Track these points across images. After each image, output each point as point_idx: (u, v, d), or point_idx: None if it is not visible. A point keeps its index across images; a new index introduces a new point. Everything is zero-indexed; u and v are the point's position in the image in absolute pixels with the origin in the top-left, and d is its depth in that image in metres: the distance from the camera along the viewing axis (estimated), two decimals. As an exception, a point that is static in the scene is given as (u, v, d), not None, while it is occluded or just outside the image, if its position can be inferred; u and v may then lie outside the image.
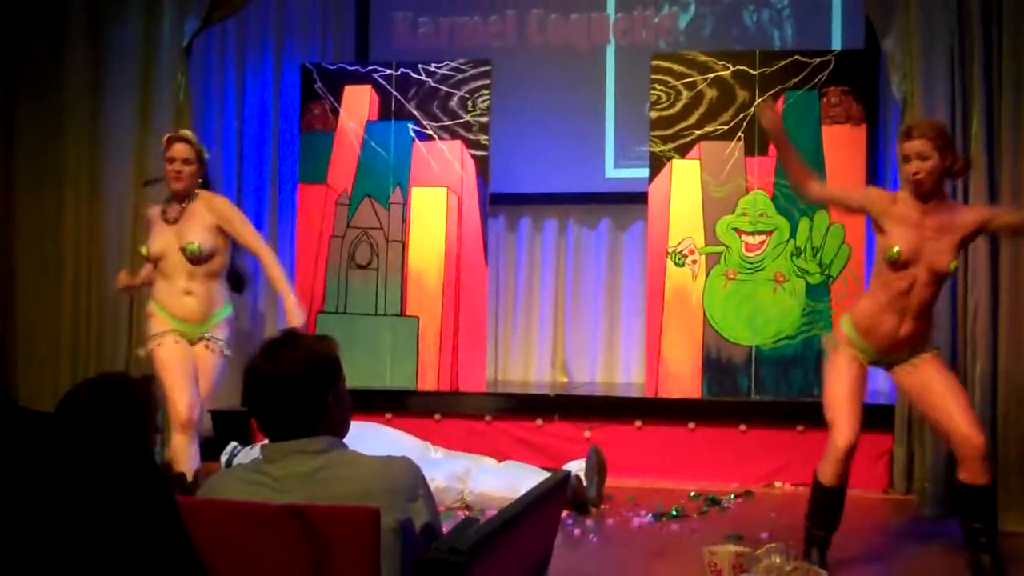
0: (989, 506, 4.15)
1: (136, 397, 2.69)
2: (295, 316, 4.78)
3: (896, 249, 4.10)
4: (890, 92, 5.75)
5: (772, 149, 6.28)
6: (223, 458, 5.70)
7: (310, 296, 6.73)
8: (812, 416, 5.11)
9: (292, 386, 2.26)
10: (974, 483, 4.09)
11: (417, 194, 6.68)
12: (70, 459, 1.30)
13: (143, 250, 4.89)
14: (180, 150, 4.85)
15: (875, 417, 4.92)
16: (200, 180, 4.94)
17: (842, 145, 6.23)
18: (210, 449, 6.15)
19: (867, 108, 6.29)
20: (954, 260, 4.11)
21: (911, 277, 4.12)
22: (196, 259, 4.81)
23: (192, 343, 4.86)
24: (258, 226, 6.08)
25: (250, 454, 5.39)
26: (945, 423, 4.14)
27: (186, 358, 4.81)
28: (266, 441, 2.32)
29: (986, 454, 4.10)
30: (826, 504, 4.22)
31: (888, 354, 4.23)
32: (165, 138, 5.00)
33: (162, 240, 4.86)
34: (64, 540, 1.27)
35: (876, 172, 6.60)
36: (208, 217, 4.85)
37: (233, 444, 5.74)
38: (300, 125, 6.88)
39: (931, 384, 4.16)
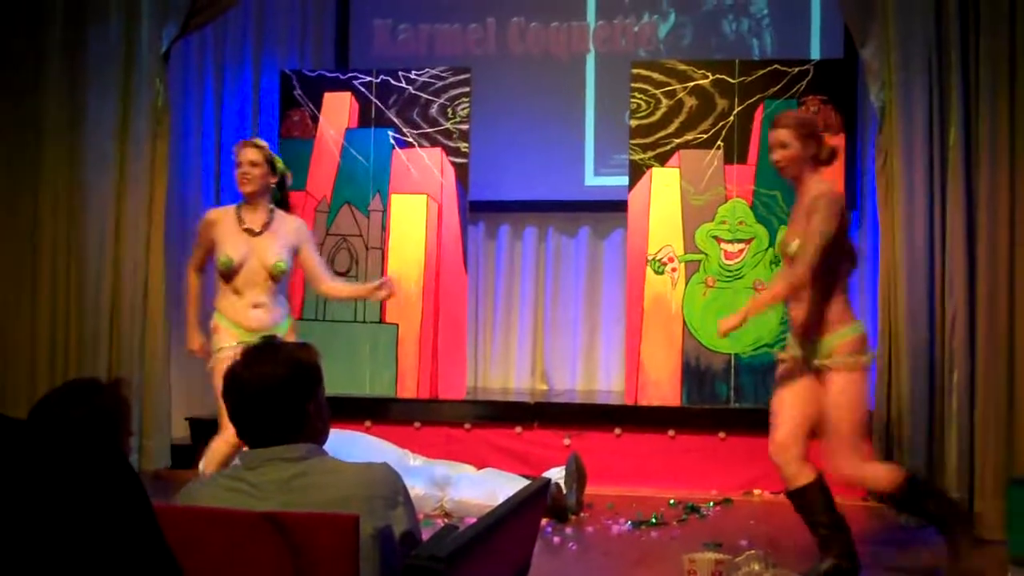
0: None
1: (108, 402, 2.67)
2: (384, 288, 5.05)
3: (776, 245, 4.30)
4: (868, 101, 5.78)
5: (751, 157, 6.32)
6: (201, 465, 5.65)
7: (288, 303, 6.70)
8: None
9: (273, 393, 2.25)
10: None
11: (397, 201, 6.67)
12: (43, 464, 1.29)
13: (226, 259, 4.85)
14: (247, 153, 4.93)
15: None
16: (273, 189, 5.00)
17: (821, 154, 6.23)
18: (187, 456, 6.14)
19: (845, 117, 6.32)
20: (795, 240, 4.12)
21: (787, 264, 4.22)
22: (279, 277, 4.92)
23: None
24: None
25: (228, 462, 5.35)
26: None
27: None
28: (245, 448, 2.31)
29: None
30: (799, 509, 4.24)
31: (804, 346, 4.24)
32: (236, 145, 5.11)
33: (243, 250, 4.87)
34: (40, 546, 1.26)
35: (854, 181, 6.63)
36: (291, 237, 4.95)
37: (211, 452, 5.70)
38: (280, 132, 6.86)
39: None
